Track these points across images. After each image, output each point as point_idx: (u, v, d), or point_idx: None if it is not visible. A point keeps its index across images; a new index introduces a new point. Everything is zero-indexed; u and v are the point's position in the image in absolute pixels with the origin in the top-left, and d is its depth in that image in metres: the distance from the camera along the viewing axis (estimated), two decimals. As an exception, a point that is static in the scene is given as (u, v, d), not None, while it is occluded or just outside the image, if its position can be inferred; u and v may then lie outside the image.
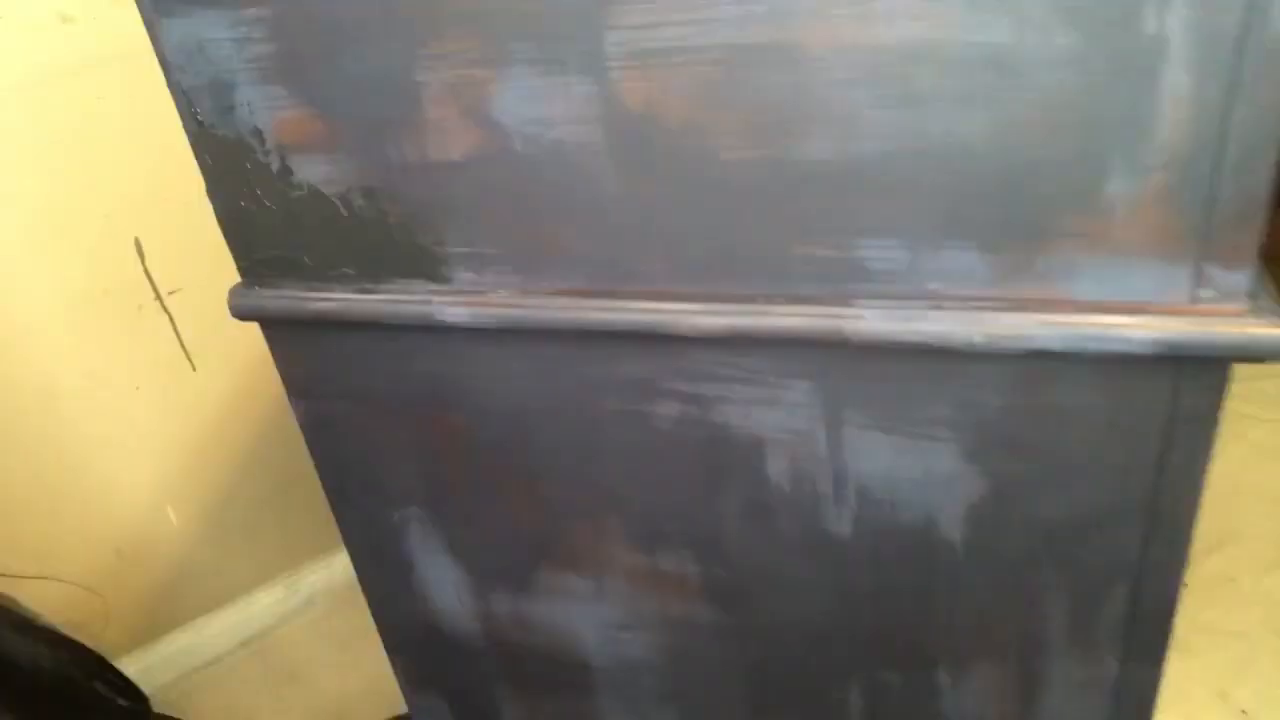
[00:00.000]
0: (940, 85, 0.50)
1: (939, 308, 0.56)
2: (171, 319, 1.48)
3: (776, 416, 0.64)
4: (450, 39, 0.58)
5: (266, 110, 0.66)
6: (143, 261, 1.43)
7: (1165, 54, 0.47)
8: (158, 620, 1.64)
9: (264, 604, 1.72)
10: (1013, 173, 0.52)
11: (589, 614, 0.81)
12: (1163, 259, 0.51)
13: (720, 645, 0.78)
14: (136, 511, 1.55)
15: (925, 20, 0.49)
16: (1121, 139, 0.49)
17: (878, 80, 0.51)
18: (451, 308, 0.67)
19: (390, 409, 0.76)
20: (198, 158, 0.70)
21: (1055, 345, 0.54)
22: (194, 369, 1.53)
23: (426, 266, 0.68)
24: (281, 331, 0.76)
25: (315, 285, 0.72)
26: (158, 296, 1.46)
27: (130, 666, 1.59)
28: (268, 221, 0.70)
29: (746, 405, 0.65)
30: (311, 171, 0.67)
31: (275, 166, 0.68)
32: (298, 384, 0.79)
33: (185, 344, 1.51)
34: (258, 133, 0.67)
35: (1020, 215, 0.53)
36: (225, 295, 0.76)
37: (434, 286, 0.68)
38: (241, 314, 0.75)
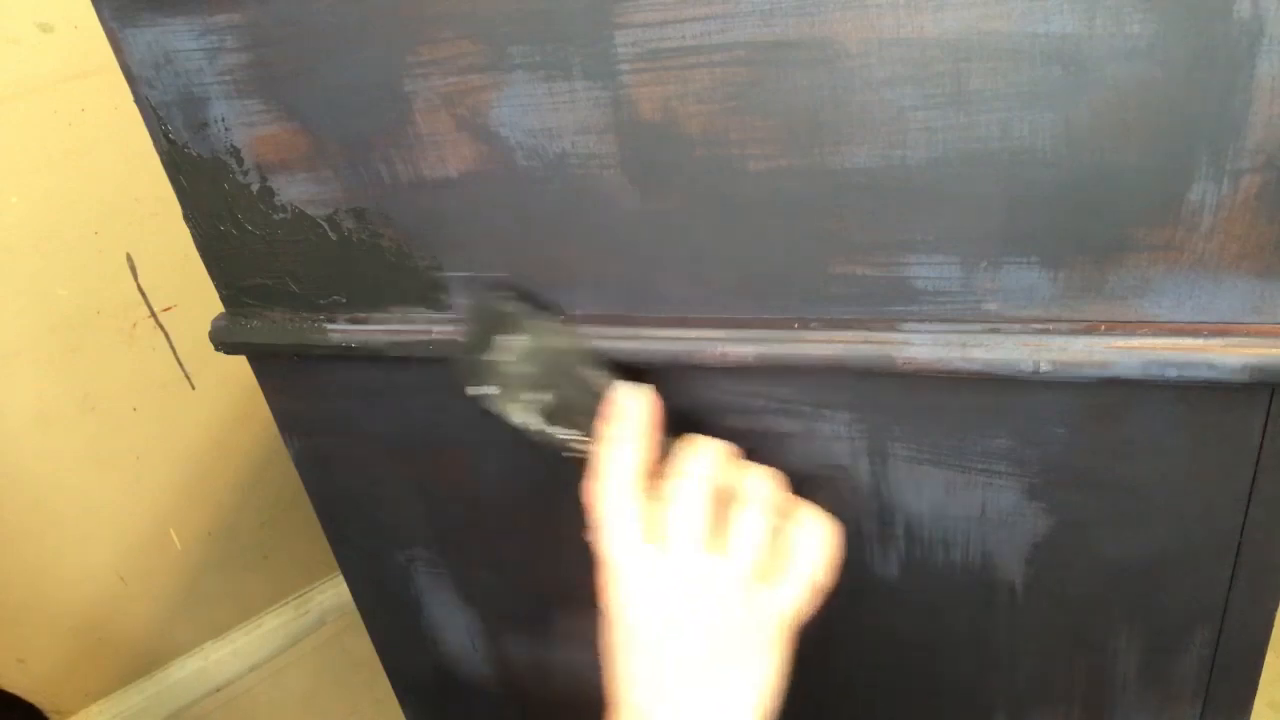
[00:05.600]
0: (997, 82, 0.45)
1: (997, 331, 0.50)
2: (167, 336, 1.43)
3: (813, 450, 0.59)
4: (441, 44, 0.52)
5: (243, 126, 0.60)
6: (135, 278, 1.38)
7: (1259, 40, 0.40)
8: (163, 647, 1.59)
9: (273, 626, 1.67)
10: (1080, 179, 0.46)
11: (611, 659, 0.75)
12: (1254, 273, 0.46)
13: (754, 693, 0.72)
14: (138, 536, 1.50)
15: (978, 8, 0.43)
16: (1207, 139, 0.43)
17: (925, 78, 0.45)
18: (453, 338, 0.61)
19: (390, 445, 0.71)
20: (171, 180, 0.64)
21: (1131, 372, 0.48)
22: (193, 387, 1.48)
23: (424, 292, 0.62)
24: (270, 364, 0.71)
25: (304, 315, 0.66)
26: (152, 314, 1.41)
27: (136, 695, 1.55)
28: (250, 247, 0.65)
29: (779, 438, 0.59)
30: (295, 192, 0.61)
31: (255, 187, 0.62)
32: (290, 419, 0.73)
33: (183, 362, 1.46)
34: (234, 151, 0.61)
35: (1089, 227, 0.47)
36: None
37: (433, 314, 0.63)
38: (225, 346, 0.69)
